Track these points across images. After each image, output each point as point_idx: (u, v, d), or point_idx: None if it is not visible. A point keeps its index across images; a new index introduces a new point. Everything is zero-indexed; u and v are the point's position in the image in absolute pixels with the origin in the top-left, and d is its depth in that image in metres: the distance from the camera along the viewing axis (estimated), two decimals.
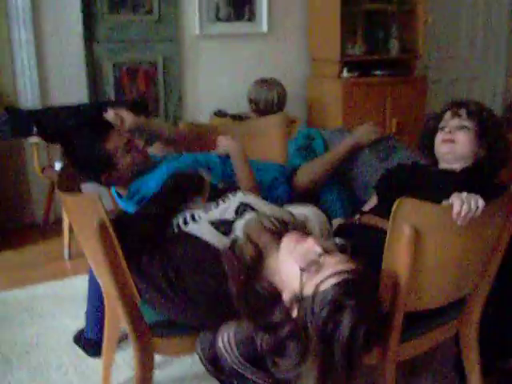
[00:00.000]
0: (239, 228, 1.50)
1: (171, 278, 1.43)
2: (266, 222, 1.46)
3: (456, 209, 1.34)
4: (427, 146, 2.09)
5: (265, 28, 4.47)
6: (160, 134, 2.41)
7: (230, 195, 1.67)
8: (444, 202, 1.39)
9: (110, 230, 1.43)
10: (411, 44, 4.72)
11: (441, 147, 1.99)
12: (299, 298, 1.24)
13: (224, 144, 2.30)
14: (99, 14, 3.88)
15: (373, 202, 2.07)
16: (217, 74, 4.40)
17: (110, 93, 4.02)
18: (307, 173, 2.33)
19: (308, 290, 1.23)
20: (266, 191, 2.26)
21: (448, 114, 2.02)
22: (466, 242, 1.46)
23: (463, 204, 1.34)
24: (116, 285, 1.50)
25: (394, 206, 1.33)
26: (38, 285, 2.98)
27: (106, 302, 1.96)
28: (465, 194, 1.37)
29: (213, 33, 4.30)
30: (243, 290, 1.34)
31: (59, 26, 3.75)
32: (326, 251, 1.27)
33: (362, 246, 1.55)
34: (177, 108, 4.28)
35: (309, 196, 2.31)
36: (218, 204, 1.63)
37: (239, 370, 1.36)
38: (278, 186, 2.32)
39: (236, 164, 2.23)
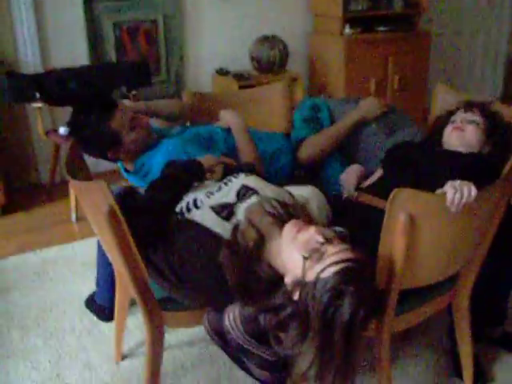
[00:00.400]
0: (241, 212, 1.55)
1: (174, 266, 1.50)
2: (267, 206, 1.52)
3: (449, 197, 1.40)
4: (437, 141, 2.14)
5: None
6: (162, 115, 2.45)
7: (232, 178, 1.72)
8: (438, 191, 1.45)
9: (120, 215, 1.49)
10: None
11: (450, 135, 2.06)
12: (301, 283, 1.32)
13: (226, 118, 2.34)
14: None
15: (375, 176, 2.12)
16: (218, 31, 4.37)
17: (111, 52, 4.01)
18: (312, 145, 2.36)
19: (310, 276, 1.30)
20: (268, 162, 2.31)
21: (461, 110, 2.11)
22: (459, 226, 1.52)
23: (456, 192, 1.40)
24: (127, 265, 1.57)
25: (391, 195, 1.39)
26: (48, 249, 3.06)
27: (115, 272, 2.05)
28: (458, 182, 1.43)
29: None
30: (244, 274, 1.41)
31: None
32: (327, 240, 1.33)
33: (360, 226, 1.63)
34: (178, 67, 4.27)
35: (312, 168, 2.36)
36: (220, 188, 1.68)
37: (244, 346, 1.46)
38: (281, 157, 2.36)
39: (237, 138, 2.27)
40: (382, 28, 4.57)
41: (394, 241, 1.45)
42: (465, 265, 1.73)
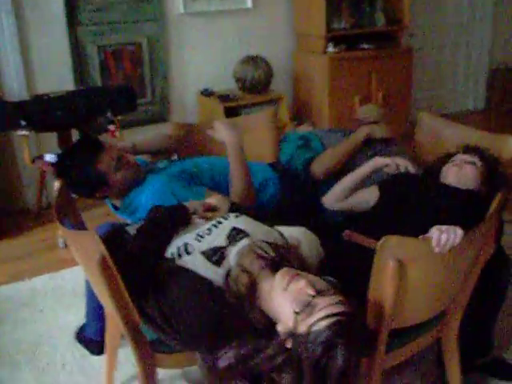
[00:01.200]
0: (232, 255, 1.57)
1: (166, 314, 1.51)
2: (258, 249, 1.54)
3: (435, 237, 1.44)
4: (435, 177, 2.20)
5: (249, 3, 4.44)
6: (149, 152, 2.46)
7: (222, 219, 1.73)
8: (423, 236, 1.49)
9: (111, 263, 1.50)
10: (397, 15, 4.72)
11: (448, 172, 2.13)
12: (293, 334, 1.34)
13: (222, 133, 2.26)
14: None
15: (369, 193, 2.17)
16: (202, 52, 4.39)
17: (96, 76, 4.02)
18: (325, 160, 2.42)
19: (302, 329, 1.32)
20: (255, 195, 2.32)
21: (460, 153, 2.18)
22: (446, 268, 1.56)
23: (442, 233, 1.44)
24: (119, 311, 1.58)
25: (380, 242, 1.42)
26: (36, 278, 3.06)
27: (105, 308, 2.05)
28: (444, 227, 1.46)
29: (197, 10, 4.27)
30: (237, 320, 1.43)
31: (41, 10, 3.71)
32: (318, 292, 1.35)
33: (351, 266, 1.65)
34: (163, 88, 4.29)
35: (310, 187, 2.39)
36: (210, 231, 1.68)
37: None
38: (268, 188, 2.37)
39: (232, 159, 2.21)
40: (365, 45, 4.62)
41: (383, 285, 1.48)
42: (452, 303, 1.76)
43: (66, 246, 3.39)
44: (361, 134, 2.49)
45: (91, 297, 2.32)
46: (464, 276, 1.70)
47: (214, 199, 1.89)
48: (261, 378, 1.41)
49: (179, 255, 1.62)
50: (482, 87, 5.88)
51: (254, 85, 4.28)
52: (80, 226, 1.93)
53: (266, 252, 1.52)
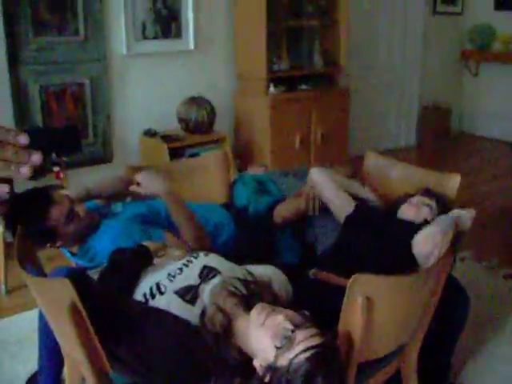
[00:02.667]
0: (205, 294, 1.59)
1: (142, 356, 1.50)
2: (230, 286, 1.56)
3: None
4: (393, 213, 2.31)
5: (191, 45, 4.51)
6: (103, 196, 2.44)
7: (192, 258, 1.75)
8: None
9: (82, 311, 1.48)
10: (334, 57, 4.93)
11: (407, 210, 2.24)
12: (273, 368, 1.37)
13: (149, 185, 2.16)
14: (23, 36, 3.79)
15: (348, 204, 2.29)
16: (145, 92, 4.41)
17: (38, 117, 3.95)
18: (283, 210, 2.43)
19: (281, 362, 1.36)
20: (211, 236, 2.32)
21: (419, 194, 2.30)
22: (409, 301, 1.67)
23: None
24: (88, 358, 1.56)
25: (351, 281, 1.48)
26: None
27: (65, 356, 1.99)
28: None
29: (140, 51, 4.30)
30: (214, 358, 1.45)
31: None
32: (296, 326, 1.39)
33: (319, 303, 1.69)
34: (105, 129, 4.26)
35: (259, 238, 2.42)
36: (181, 270, 1.70)
37: None
38: (224, 230, 2.39)
39: (171, 208, 2.14)
40: (304, 86, 4.78)
41: (352, 320, 1.54)
42: (412, 335, 1.84)
43: (7, 292, 3.27)
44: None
45: (45, 345, 2.26)
46: (422, 311, 1.79)
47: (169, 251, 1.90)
48: None
49: (152, 296, 1.62)
50: (413, 125, 6.18)
51: (197, 125, 4.33)
52: (39, 271, 1.88)
53: (237, 289, 1.55)
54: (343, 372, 1.50)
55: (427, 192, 2.31)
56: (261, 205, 2.48)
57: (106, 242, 2.10)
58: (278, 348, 1.36)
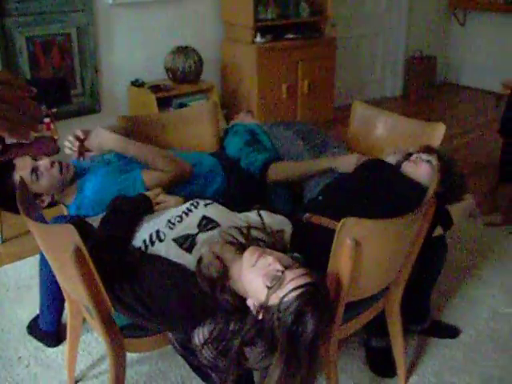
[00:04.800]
0: (200, 242, 1.68)
1: (143, 299, 1.59)
2: (227, 236, 1.65)
3: None
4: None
5: None
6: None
7: (192, 207, 1.82)
8: None
9: (86, 255, 1.56)
10: (320, 5, 4.91)
11: (405, 169, 2.24)
12: (265, 307, 1.47)
13: (98, 142, 2.23)
14: None
15: None
16: (132, 43, 4.40)
17: (25, 68, 3.94)
18: (279, 173, 2.45)
19: (272, 301, 1.45)
20: (203, 184, 2.39)
21: (419, 152, 2.29)
22: (394, 245, 1.77)
23: None
24: (93, 301, 1.65)
25: (340, 223, 1.57)
26: None
27: (67, 298, 2.09)
28: None
29: (126, 1, 4.26)
30: (210, 300, 1.55)
31: None
32: (286, 267, 1.48)
33: (312, 245, 1.79)
34: (93, 80, 4.26)
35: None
36: (181, 218, 1.78)
37: (212, 361, 1.58)
38: (216, 177, 2.46)
39: (131, 152, 2.24)
40: (290, 35, 4.78)
41: (341, 261, 1.63)
42: (396, 276, 1.95)
43: (3, 241, 3.34)
44: (321, 166, 2.40)
45: (46, 288, 2.35)
46: (406, 253, 1.90)
47: (167, 196, 1.97)
48: (231, 353, 1.53)
49: (152, 242, 1.70)
50: (399, 75, 6.20)
51: (185, 75, 4.34)
52: (41, 218, 1.96)
53: (234, 238, 1.63)
54: (331, 310, 1.61)
55: (427, 148, 2.31)
56: (253, 164, 2.50)
57: (89, 193, 2.20)
58: (268, 288, 1.45)
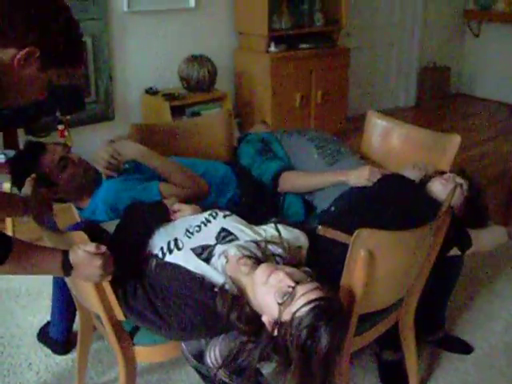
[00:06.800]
0: (218, 253, 1.66)
1: (157, 308, 1.58)
2: (245, 251, 1.64)
3: None
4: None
5: (192, 3, 4.50)
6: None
7: (211, 218, 1.81)
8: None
9: None
10: (334, 15, 4.91)
11: (435, 183, 2.19)
12: (278, 323, 1.45)
13: (126, 152, 2.28)
14: None
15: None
16: (146, 51, 4.41)
17: None
18: (290, 183, 2.44)
19: (285, 317, 1.44)
20: (217, 192, 2.37)
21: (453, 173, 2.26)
22: (408, 257, 1.75)
23: None
24: (103, 309, 1.65)
25: (355, 234, 1.56)
26: None
27: (77, 305, 2.08)
28: None
29: (141, 9, 4.29)
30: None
31: None
32: (297, 282, 1.47)
33: (329, 261, 1.77)
34: (107, 87, 4.28)
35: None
36: (200, 228, 1.77)
37: (225, 381, 1.57)
38: (230, 185, 2.44)
39: (154, 165, 2.27)
40: (304, 45, 4.78)
41: (355, 273, 1.61)
42: (410, 288, 1.93)
43: None
44: (333, 178, 2.37)
45: (58, 297, 2.35)
46: (420, 266, 1.87)
47: (183, 205, 1.95)
48: (247, 371, 1.51)
49: (170, 250, 1.69)
50: (412, 85, 6.18)
51: (198, 83, 4.35)
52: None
53: (252, 252, 1.62)
54: (345, 324, 1.59)
55: (462, 172, 2.28)
56: (265, 173, 2.49)
57: (104, 197, 2.19)
58: (280, 304, 1.44)
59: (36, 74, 1.35)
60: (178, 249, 1.69)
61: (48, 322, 2.49)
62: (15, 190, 2.24)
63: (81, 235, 1.54)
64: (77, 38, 1.41)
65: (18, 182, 2.14)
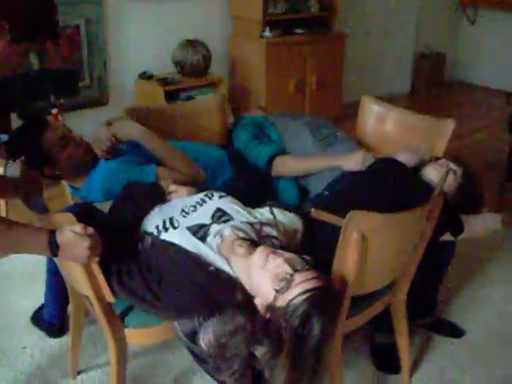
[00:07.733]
0: (213, 233, 1.66)
1: (152, 286, 1.59)
2: (240, 232, 1.64)
3: None
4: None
5: None
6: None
7: (206, 198, 1.81)
8: None
9: None
10: (330, 1, 4.89)
11: (429, 169, 2.21)
12: (272, 308, 1.46)
13: (125, 131, 2.27)
14: None
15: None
16: (141, 35, 4.38)
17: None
18: (284, 167, 2.44)
19: (280, 303, 1.44)
20: (211, 175, 2.37)
21: (448, 159, 2.26)
22: (401, 240, 1.76)
23: None
24: (92, 290, 1.65)
25: (346, 217, 1.56)
26: None
27: (69, 288, 2.08)
28: None
29: None
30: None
31: None
32: (295, 270, 1.47)
33: (322, 244, 1.78)
34: (101, 72, 4.25)
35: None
36: (195, 208, 1.77)
37: (218, 361, 1.57)
38: (224, 169, 2.43)
39: (152, 148, 2.24)
40: (299, 30, 4.76)
41: (347, 255, 1.62)
42: (402, 271, 1.94)
43: None
44: (328, 162, 2.36)
45: (52, 280, 2.35)
46: (413, 248, 1.88)
47: (179, 187, 1.96)
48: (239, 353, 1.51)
49: (165, 228, 1.70)
50: (407, 72, 6.17)
51: (193, 68, 4.33)
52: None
53: (247, 234, 1.63)
54: (337, 315, 1.60)
55: (456, 158, 2.28)
56: (259, 157, 2.48)
57: (100, 178, 2.19)
58: (276, 291, 1.44)
59: (9, 45, 1.41)
60: (174, 227, 1.69)
61: (42, 305, 2.50)
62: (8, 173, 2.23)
63: (68, 216, 1.53)
64: (48, 11, 1.41)
65: (14, 155, 2.13)
